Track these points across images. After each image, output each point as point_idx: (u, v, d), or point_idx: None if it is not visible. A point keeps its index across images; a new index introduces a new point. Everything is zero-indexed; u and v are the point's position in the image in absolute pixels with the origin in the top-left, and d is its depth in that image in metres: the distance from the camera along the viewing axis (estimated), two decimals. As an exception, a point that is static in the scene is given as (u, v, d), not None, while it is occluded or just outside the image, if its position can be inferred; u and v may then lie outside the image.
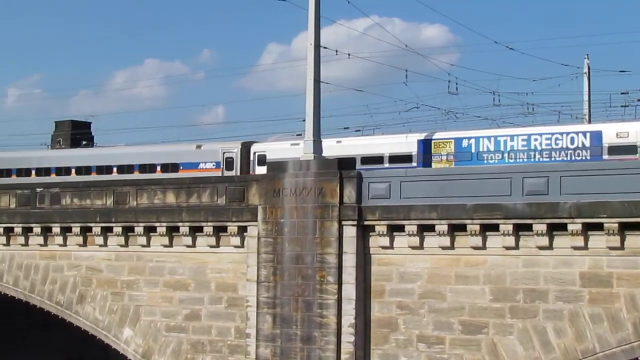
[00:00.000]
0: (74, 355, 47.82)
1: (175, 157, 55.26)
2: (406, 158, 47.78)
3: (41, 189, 37.78)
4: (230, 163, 52.73)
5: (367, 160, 47.78)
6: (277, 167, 31.74)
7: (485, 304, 28.09)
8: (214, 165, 53.31)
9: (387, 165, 47.42)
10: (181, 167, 54.17)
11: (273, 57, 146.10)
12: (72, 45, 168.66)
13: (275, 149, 49.88)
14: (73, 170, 59.26)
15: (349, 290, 29.65)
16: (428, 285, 28.95)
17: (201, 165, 53.23)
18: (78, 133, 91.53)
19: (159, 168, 55.22)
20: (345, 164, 31.11)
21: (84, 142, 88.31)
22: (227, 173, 51.27)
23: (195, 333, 33.04)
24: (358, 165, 46.01)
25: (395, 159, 47.98)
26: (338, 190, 30.04)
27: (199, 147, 55.07)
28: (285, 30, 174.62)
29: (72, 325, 36.69)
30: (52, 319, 37.68)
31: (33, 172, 60.92)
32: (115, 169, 57.28)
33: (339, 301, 29.71)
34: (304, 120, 32.83)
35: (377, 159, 48.25)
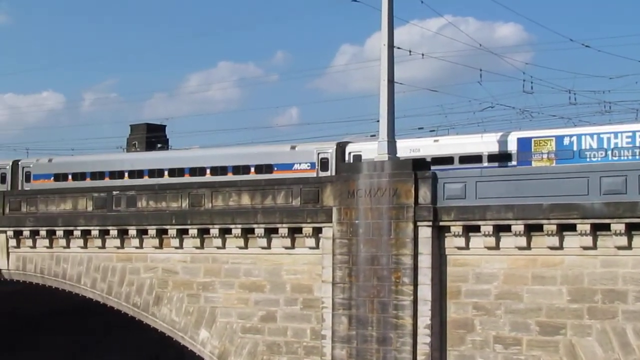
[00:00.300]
0: (151, 356, 48.92)
1: (269, 158, 55.13)
2: (506, 157, 47.57)
3: (117, 192, 38.78)
4: (325, 164, 52.81)
5: (465, 159, 47.68)
6: (352, 168, 32.24)
7: (562, 305, 28.26)
8: (308, 166, 53.41)
9: (485, 164, 47.22)
10: (275, 168, 54.19)
11: (346, 58, 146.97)
12: (147, 48, 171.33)
13: (371, 149, 49.73)
14: (166, 173, 59.95)
15: (425, 291, 30.06)
16: (504, 285, 29.22)
17: (296, 167, 52.97)
18: (153, 136, 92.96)
19: (252, 169, 55.47)
20: (419, 164, 31.52)
21: (159, 145, 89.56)
22: (322, 174, 51.18)
23: (271, 334, 33.71)
24: (455, 164, 46.24)
25: (494, 157, 47.74)
26: (413, 191, 30.46)
27: (293, 147, 54.94)
28: (359, 31, 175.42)
29: (148, 326, 37.57)
30: (129, 320, 38.58)
31: (126, 174, 61.47)
32: (208, 171, 57.88)
33: (415, 302, 30.13)
34: (378, 121, 33.27)
35: (476, 158, 48.04)
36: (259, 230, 34.03)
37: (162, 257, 36.89)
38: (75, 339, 54.62)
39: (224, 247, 35.12)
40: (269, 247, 34.07)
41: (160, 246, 36.88)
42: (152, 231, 36.84)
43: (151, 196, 37.53)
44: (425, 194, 30.39)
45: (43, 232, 40.32)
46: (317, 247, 32.79)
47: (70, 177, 63.74)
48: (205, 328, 35.32)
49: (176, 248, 36.41)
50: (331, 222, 32.02)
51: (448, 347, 30.03)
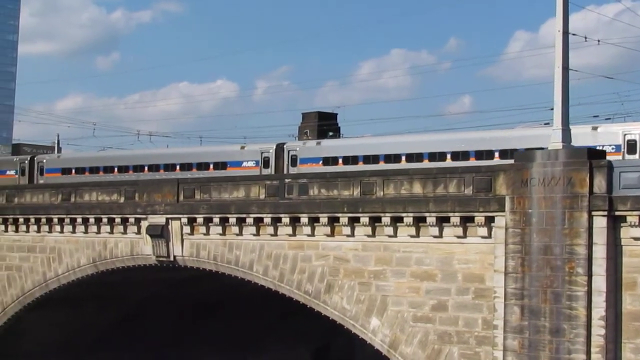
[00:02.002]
0: (321, 343, 50.92)
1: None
2: None
3: (289, 180, 41.09)
4: (633, 146, 51.74)
5: None
6: (525, 157, 33.51)
7: None
8: (613, 148, 51.88)
9: None
10: None
11: (520, 44, 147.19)
12: (320, 36, 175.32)
13: None
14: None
15: (599, 282, 31.23)
16: (683, 277, 30.03)
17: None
18: (325, 124, 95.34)
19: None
20: (594, 153, 32.54)
21: (330, 134, 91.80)
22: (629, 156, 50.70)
23: (442, 324, 35.37)
24: None
25: None
26: (587, 180, 31.61)
27: (595, 128, 54.25)
28: (533, 17, 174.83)
29: (319, 314, 39.78)
30: (300, 308, 40.89)
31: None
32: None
33: (589, 293, 31.34)
34: (552, 109, 34.38)
35: None
36: (431, 219, 35.67)
37: (333, 245, 38.95)
38: (248, 325, 57.36)
39: (395, 235, 36.90)
40: (440, 236, 35.67)
41: (332, 234, 38.92)
42: (323, 219, 38.91)
43: (323, 184, 39.62)
44: (600, 183, 31.47)
45: (216, 219, 43.07)
46: (489, 236, 34.26)
47: (340, 160, 64.42)
48: (376, 316, 37.22)
49: (347, 236, 38.37)
50: (504, 211, 33.44)
51: (623, 340, 31.12)
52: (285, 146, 68.99)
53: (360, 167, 60.37)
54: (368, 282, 37.68)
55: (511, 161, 34.19)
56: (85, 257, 49.20)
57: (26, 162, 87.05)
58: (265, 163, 69.05)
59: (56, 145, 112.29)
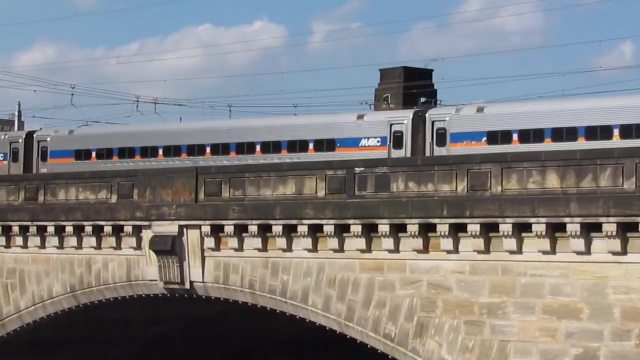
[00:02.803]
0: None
1: None
2: None
3: (362, 169, 41.23)
4: None
5: None
6: None
7: None
8: None
9: None
10: None
11: None
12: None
13: None
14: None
15: None
16: None
17: None
18: (414, 85, 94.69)
19: None
20: None
21: (422, 99, 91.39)
22: None
23: (592, 382, 35.48)
24: None
25: None
26: None
27: None
28: None
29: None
30: (380, 359, 41.23)
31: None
32: None
33: None
34: None
35: None
36: (573, 227, 35.58)
37: (427, 266, 39.18)
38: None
39: (519, 251, 37.00)
40: (587, 252, 35.67)
41: (425, 249, 39.17)
42: (412, 227, 39.01)
43: (411, 175, 39.77)
44: None
45: (253, 228, 43.31)
46: (663, 252, 34.37)
47: (515, 136, 63.26)
48: (491, 372, 37.43)
49: (448, 252, 38.60)
50: (683, 214, 33.56)
51: None
52: (427, 115, 67.80)
53: (548, 145, 58.73)
54: (479, 320, 37.84)
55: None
56: (60, 283, 49.85)
57: (20, 141, 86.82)
58: (397, 141, 67.83)
59: (17, 118, 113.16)
